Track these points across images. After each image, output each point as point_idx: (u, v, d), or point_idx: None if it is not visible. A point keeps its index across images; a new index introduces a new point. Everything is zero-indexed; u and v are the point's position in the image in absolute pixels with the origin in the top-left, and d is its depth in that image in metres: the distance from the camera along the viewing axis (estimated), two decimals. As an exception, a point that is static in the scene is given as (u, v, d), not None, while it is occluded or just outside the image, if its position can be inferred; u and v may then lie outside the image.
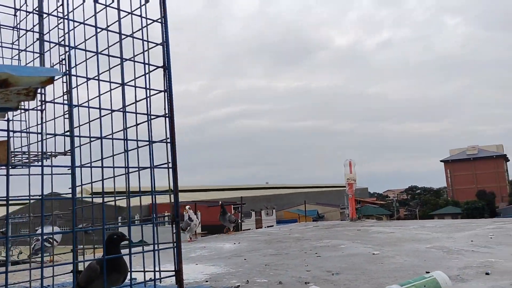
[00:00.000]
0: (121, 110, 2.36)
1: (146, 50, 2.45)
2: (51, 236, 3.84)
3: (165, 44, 2.48)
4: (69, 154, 2.93)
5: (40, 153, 2.58)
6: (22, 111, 2.90)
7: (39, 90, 1.66)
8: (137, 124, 2.42)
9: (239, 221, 8.17)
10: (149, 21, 2.46)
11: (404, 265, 2.96)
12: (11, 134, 1.87)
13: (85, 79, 2.41)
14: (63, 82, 2.73)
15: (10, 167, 1.72)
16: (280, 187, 60.10)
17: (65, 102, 2.78)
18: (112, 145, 2.40)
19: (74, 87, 2.81)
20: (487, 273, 2.37)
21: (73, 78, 2.59)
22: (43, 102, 2.33)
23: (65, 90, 2.95)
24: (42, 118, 2.44)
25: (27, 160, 2.79)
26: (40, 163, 2.87)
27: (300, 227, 7.49)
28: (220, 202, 7.81)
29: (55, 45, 2.71)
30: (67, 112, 2.99)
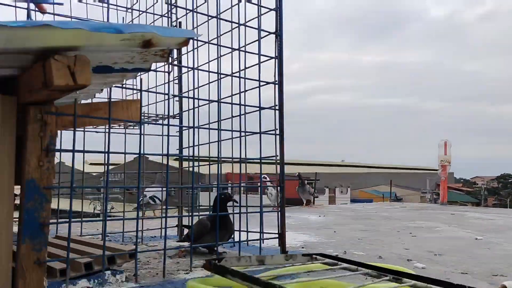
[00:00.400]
0: (237, 75, 2.41)
1: (259, 16, 2.46)
2: (155, 195, 4.13)
3: (278, 10, 2.47)
4: (178, 117, 3.09)
5: (166, 115, 2.73)
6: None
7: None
8: (245, 90, 2.46)
9: (316, 196, 8.05)
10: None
11: (515, 253, 2.76)
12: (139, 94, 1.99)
13: (202, 43, 2.47)
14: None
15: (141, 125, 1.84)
16: (356, 165, 58.80)
17: (182, 65, 2.90)
18: (219, 110, 2.47)
19: (184, 53, 2.93)
20: None
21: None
22: (172, 65, 2.45)
23: (175, 57, 3.08)
24: (168, 80, 2.58)
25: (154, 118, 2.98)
26: (161, 122, 3.06)
27: (385, 206, 7.29)
28: (298, 173, 7.78)
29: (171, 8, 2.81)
30: (177, 77, 3.14)
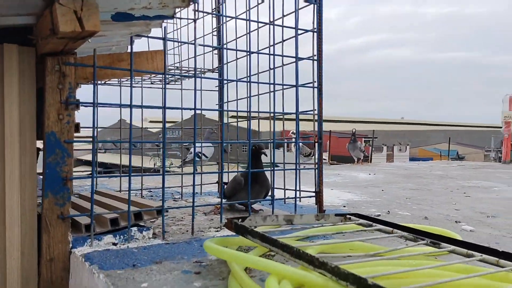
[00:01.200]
0: (271, 23, 2.27)
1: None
2: (201, 151, 4.16)
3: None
4: (217, 71, 3.01)
5: (192, 68, 2.67)
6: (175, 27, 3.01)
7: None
8: (283, 40, 2.31)
9: (367, 154, 7.72)
10: None
11: None
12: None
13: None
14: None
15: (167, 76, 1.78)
16: (416, 123, 56.54)
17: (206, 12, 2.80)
18: (258, 62, 2.36)
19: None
20: None
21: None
22: (197, 11, 2.34)
23: (213, 7, 2.96)
24: (195, 28, 2.49)
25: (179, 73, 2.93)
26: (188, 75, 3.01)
27: (442, 164, 6.94)
28: (354, 129, 7.55)
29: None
30: (215, 29, 3.04)
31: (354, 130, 7.39)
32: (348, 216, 1.72)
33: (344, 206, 2.70)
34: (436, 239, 1.43)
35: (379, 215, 2.39)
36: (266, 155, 2.32)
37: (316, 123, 2.24)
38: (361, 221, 1.68)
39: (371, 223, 1.64)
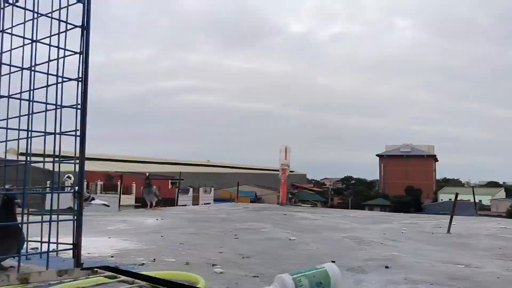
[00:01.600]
0: (31, 69, 2.17)
1: (64, 7, 2.26)
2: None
3: (86, 1, 2.30)
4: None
5: None
6: None
7: None
8: (47, 86, 2.24)
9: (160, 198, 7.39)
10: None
11: (315, 253, 3.02)
12: None
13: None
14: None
15: None
16: (221, 165, 60.12)
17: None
18: (20, 105, 2.21)
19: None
20: (386, 267, 2.47)
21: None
22: None
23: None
24: None
25: None
26: None
27: (230, 207, 7.51)
28: (147, 174, 7.59)
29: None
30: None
31: (147, 174, 7.43)
32: (95, 269, 1.71)
33: (112, 257, 2.66)
34: (171, 286, 1.53)
35: (143, 263, 2.44)
36: (19, 206, 2.14)
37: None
38: (107, 273, 1.69)
39: (116, 275, 1.66)
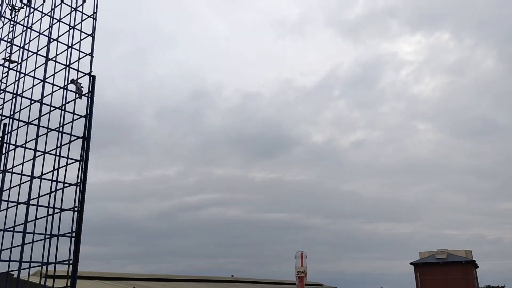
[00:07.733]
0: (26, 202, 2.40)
1: (70, 122, 2.57)
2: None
3: (88, 116, 2.60)
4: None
5: None
6: None
7: None
8: (50, 192, 2.44)
9: None
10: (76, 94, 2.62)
11: None
12: None
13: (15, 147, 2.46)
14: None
15: None
16: (244, 281, 57.53)
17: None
18: (16, 213, 2.39)
19: None
20: None
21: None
22: None
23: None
24: None
25: None
26: None
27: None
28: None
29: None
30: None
31: None
32: None
33: None
34: None
35: None
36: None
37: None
38: None
39: None
